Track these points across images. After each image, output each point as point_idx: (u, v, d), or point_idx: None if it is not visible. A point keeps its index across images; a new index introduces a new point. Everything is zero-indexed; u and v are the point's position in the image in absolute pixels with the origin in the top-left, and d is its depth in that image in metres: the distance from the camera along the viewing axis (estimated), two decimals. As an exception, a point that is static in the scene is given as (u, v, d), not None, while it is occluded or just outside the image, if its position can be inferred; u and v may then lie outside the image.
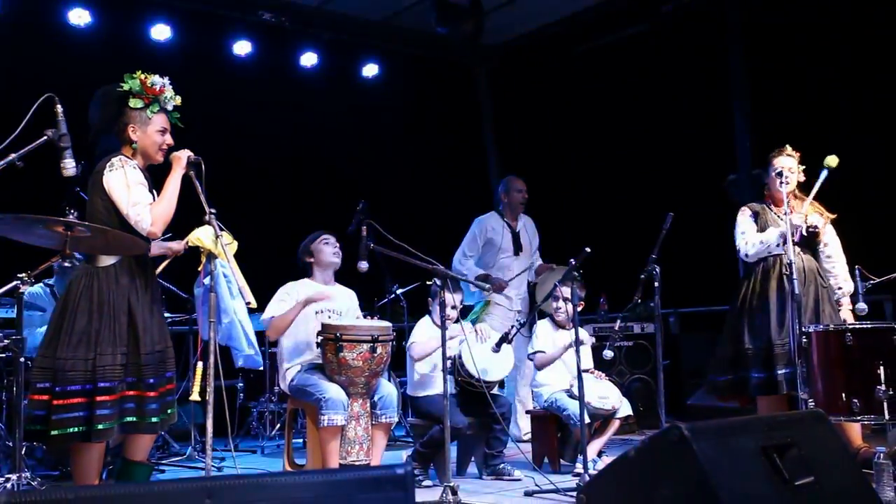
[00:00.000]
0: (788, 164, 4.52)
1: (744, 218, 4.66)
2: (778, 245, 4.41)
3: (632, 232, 6.10)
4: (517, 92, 8.81)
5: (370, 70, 8.51)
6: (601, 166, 8.24)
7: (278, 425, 6.42)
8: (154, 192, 3.53)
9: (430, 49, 8.63)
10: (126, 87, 3.53)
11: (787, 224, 4.21)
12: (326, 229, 4.73)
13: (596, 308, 7.32)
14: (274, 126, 7.80)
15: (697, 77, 7.44)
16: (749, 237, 4.57)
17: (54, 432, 3.19)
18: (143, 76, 3.55)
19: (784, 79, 6.87)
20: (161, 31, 7.17)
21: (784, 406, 4.37)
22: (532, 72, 8.72)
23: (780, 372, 4.30)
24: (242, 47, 7.66)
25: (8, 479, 3.03)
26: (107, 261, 3.36)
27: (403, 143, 8.55)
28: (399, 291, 6.80)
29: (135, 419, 3.31)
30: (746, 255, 4.58)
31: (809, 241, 4.55)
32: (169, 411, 3.48)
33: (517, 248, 6.46)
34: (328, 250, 4.61)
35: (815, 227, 4.48)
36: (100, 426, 3.21)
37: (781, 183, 4.32)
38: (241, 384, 6.68)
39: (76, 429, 3.22)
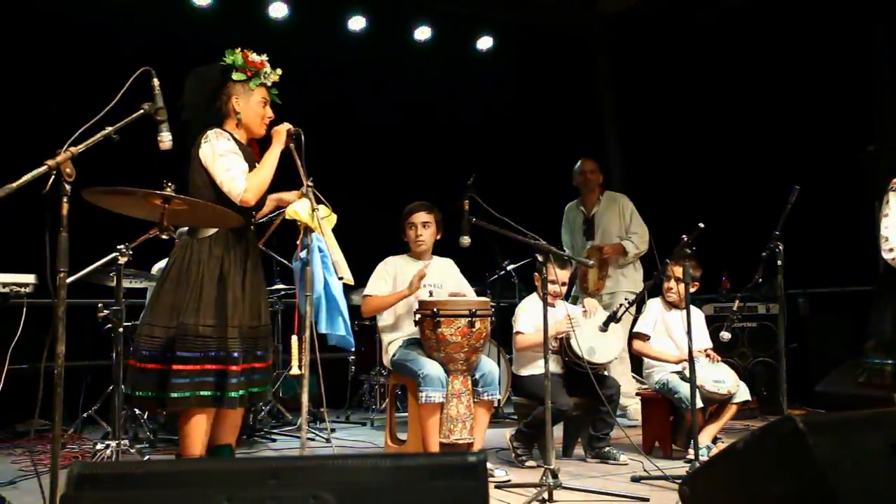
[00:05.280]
0: None
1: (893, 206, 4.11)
2: None
3: (759, 206, 5.73)
4: (636, 62, 8.43)
5: (484, 43, 8.37)
6: (726, 138, 7.80)
7: (388, 398, 6.44)
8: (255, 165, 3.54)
9: (546, 19, 8.38)
10: (229, 60, 3.57)
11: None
12: (436, 203, 4.63)
13: (718, 287, 6.98)
14: (387, 101, 7.81)
15: (831, 42, 6.89)
16: (892, 241, 4.06)
17: (138, 393, 3.30)
18: (243, 52, 3.57)
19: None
20: (278, 10, 7.32)
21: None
22: (651, 40, 8.32)
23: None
24: (357, 23, 7.71)
25: (108, 446, 3.11)
26: (204, 233, 3.41)
27: (518, 117, 8.38)
28: (510, 267, 6.69)
29: (209, 393, 3.29)
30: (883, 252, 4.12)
31: None
32: (253, 389, 3.45)
33: (588, 233, 6.37)
34: (411, 236, 4.54)
35: None
36: (173, 394, 3.24)
37: None
38: (352, 357, 6.74)
39: (150, 393, 3.29)
